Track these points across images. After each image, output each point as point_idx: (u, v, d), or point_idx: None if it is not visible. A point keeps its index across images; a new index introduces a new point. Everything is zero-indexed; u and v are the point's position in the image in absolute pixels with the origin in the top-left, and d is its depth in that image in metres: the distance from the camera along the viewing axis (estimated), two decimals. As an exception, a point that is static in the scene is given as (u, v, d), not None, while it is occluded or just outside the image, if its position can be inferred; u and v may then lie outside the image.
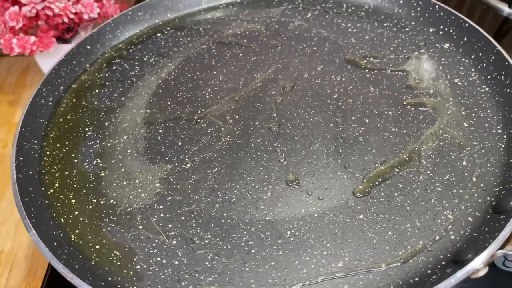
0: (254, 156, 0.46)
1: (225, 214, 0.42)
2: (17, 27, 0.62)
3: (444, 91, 0.51)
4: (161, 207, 0.43)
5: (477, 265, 0.34)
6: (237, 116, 0.50)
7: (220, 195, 0.43)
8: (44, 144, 0.49)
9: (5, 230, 0.59)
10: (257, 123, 0.50)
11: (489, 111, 0.48)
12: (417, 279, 0.36)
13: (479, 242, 0.36)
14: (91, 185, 0.45)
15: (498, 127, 0.47)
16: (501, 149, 0.44)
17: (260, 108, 0.51)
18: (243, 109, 0.51)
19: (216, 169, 0.46)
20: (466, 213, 0.40)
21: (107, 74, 0.58)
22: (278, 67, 0.56)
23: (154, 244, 0.40)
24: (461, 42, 0.56)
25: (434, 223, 0.40)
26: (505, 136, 0.45)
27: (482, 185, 0.42)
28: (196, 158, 0.47)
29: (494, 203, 0.40)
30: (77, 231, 0.41)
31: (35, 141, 0.49)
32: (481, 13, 0.79)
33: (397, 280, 0.36)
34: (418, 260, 0.37)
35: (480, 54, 0.53)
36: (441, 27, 0.59)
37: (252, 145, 0.47)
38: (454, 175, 0.43)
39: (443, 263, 0.37)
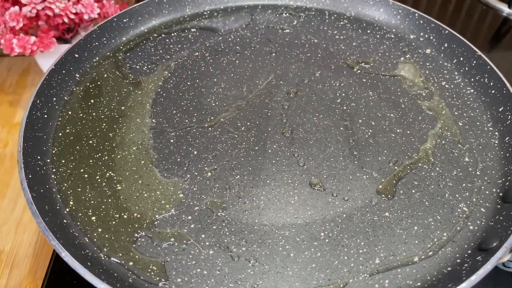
0: (273, 161, 0.47)
1: (256, 221, 0.42)
2: (17, 28, 0.60)
3: (435, 93, 0.55)
4: (189, 217, 0.42)
5: (504, 252, 0.37)
6: (248, 123, 0.51)
7: (247, 202, 0.44)
8: (48, 161, 0.46)
9: (5, 230, 0.58)
10: (269, 129, 0.50)
11: (477, 110, 0.53)
12: (449, 268, 0.39)
13: (499, 230, 0.40)
14: (109, 200, 0.43)
15: (489, 125, 0.51)
16: (495, 145, 0.49)
17: (269, 114, 0.52)
18: (253, 116, 0.52)
19: (238, 176, 0.46)
20: (478, 204, 0.44)
21: (99, 83, 0.56)
22: (277, 73, 0.57)
23: (190, 256, 0.39)
24: (442, 47, 0.61)
25: (452, 215, 0.43)
26: (496, 133, 0.50)
27: (486, 178, 0.46)
28: (215, 166, 0.46)
29: (501, 194, 0.44)
30: (105, 249, 0.40)
31: (38, 157, 0.46)
32: (481, 13, 0.85)
33: (432, 271, 0.39)
34: (446, 251, 0.40)
35: (461, 58, 0.58)
36: (421, 33, 0.63)
37: (270, 151, 0.48)
38: (461, 170, 0.47)
39: (469, 252, 0.40)
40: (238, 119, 0.51)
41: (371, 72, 0.58)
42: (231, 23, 0.66)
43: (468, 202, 0.44)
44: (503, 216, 0.42)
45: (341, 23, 0.67)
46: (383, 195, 0.44)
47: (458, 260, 0.39)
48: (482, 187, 0.45)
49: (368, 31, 0.65)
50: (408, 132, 0.51)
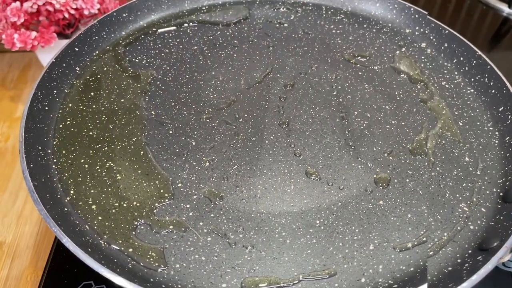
0: (270, 152, 0.48)
1: (253, 209, 0.43)
2: (18, 23, 0.61)
3: (435, 93, 0.56)
4: (188, 206, 0.43)
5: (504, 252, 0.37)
6: (245, 115, 0.52)
7: (244, 190, 0.44)
8: (49, 151, 0.47)
9: (7, 222, 0.59)
10: (266, 120, 0.51)
11: (477, 110, 0.54)
12: (450, 268, 0.39)
13: (499, 230, 0.40)
14: (109, 189, 0.44)
15: (489, 124, 0.52)
16: (496, 144, 0.50)
17: (266, 106, 0.53)
18: (250, 108, 0.53)
19: (236, 166, 0.47)
20: (478, 204, 0.44)
21: (99, 76, 0.56)
22: (275, 67, 0.58)
23: (189, 243, 0.40)
24: (442, 47, 0.61)
25: (453, 215, 0.43)
26: (497, 133, 0.51)
27: (486, 178, 0.46)
28: (213, 157, 0.47)
29: (501, 194, 0.45)
30: (105, 236, 0.40)
31: (39, 148, 0.47)
32: (481, 13, 0.86)
33: (432, 271, 0.39)
34: (447, 251, 0.41)
35: (461, 58, 0.59)
36: (417, 27, 0.64)
37: (267, 141, 0.49)
38: (461, 170, 0.47)
39: (470, 251, 0.40)
40: (235, 111, 0.52)
41: (367, 65, 0.59)
42: (229, 18, 0.67)
43: (468, 202, 0.44)
44: (504, 216, 0.42)
45: (338, 17, 0.68)
46: (377, 185, 0.45)
47: (459, 260, 0.40)
48: (483, 187, 0.46)
49: (365, 26, 0.66)
50: (403, 123, 0.51)
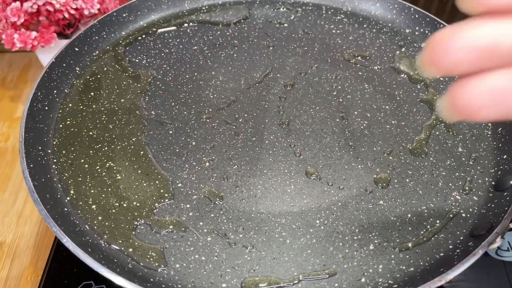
0: (270, 152, 0.48)
1: (253, 209, 0.43)
2: (18, 23, 0.61)
3: (430, 85, 0.56)
4: (187, 206, 0.43)
5: (494, 237, 0.38)
6: (245, 115, 0.52)
7: (244, 190, 0.44)
8: (49, 151, 0.47)
9: (7, 222, 0.59)
10: (266, 120, 0.51)
11: (471, 102, 0.54)
12: (442, 254, 0.40)
13: (490, 217, 0.41)
14: (109, 189, 0.44)
15: (482, 116, 0.52)
16: (489, 135, 0.50)
17: (266, 106, 0.53)
18: (250, 108, 0.53)
19: (236, 166, 0.47)
20: (470, 193, 0.45)
21: (99, 76, 0.56)
22: (275, 67, 0.58)
23: (189, 243, 0.40)
24: (437, 41, 0.62)
25: (445, 204, 0.44)
26: (489, 124, 0.51)
27: (479, 167, 0.47)
28: (213, 157, 0.47)
29: (493, 182, 0.45)
30: (105, 236, 0.40)
31: (39, 148, 0.47)
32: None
33: (424, 257, 0.40)
34: (439, 237, 0.41)
35: (456, 52, 0.59)
36: (417, 28, 0.64)
37: (267, 141, 0.49)
38: (454, 160, 0.48)
39: (462, 238, 0.41)
40: (235, 111, 0.52)
41: (367, 65, 0.59)
42: (229, 18, 0.67)
43: (460, 191, 0.45)
44: (495, 203, 0.42)
45: (338, 17, 0.67)
46: (377, 185, 0.45)
47: (451, 246, 0.40)
48: (475, 176, 0.46)
49: (365, 26, 0.66)
50: (403, 123, 0.51)
